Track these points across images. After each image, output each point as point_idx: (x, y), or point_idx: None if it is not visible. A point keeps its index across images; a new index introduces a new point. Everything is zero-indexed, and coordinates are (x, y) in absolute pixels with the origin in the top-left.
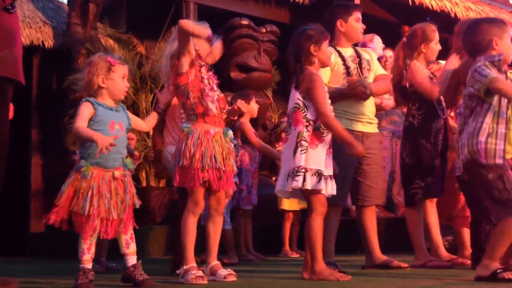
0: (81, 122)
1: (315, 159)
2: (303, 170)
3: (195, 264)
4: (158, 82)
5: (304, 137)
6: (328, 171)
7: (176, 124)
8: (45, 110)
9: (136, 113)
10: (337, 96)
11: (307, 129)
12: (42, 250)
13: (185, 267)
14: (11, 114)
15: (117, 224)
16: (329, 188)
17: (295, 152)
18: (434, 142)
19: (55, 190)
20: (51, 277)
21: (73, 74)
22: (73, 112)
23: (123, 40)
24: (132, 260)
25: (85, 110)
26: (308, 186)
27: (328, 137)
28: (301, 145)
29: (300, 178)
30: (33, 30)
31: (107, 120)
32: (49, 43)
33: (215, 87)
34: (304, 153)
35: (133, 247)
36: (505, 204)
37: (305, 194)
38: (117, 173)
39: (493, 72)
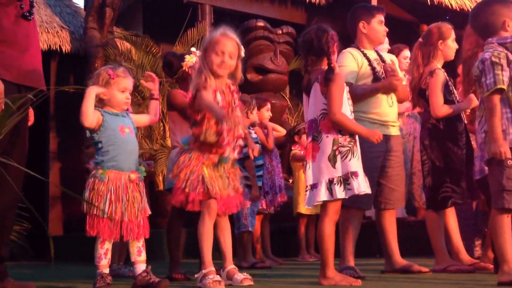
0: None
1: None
2: (350, 176)
3: (213, 268)
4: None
5: (341, 143)
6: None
7: (175, 127)
8: (62, 114)
9: None
10: (369, 91)
11: (341, 134)
12: (60, 253)
13: (203, 271)
14: (31, 120)
15: (136, 227)
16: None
17: (334, 160)
18: (459, 145)
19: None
20: (69, 281)
21: (90, 78)
22: None
23: (140, 43)
24: (142, 267)
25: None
26: (356, 191)
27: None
28: (340, 152)
29: (354, 185)
30: (51, 34)
31: (116, 125)
32: (66, 47)
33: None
34: (347, 158)
35: (144, 255)
36: (500, 194)
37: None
38: (133, 176)
39: (498, 76)
